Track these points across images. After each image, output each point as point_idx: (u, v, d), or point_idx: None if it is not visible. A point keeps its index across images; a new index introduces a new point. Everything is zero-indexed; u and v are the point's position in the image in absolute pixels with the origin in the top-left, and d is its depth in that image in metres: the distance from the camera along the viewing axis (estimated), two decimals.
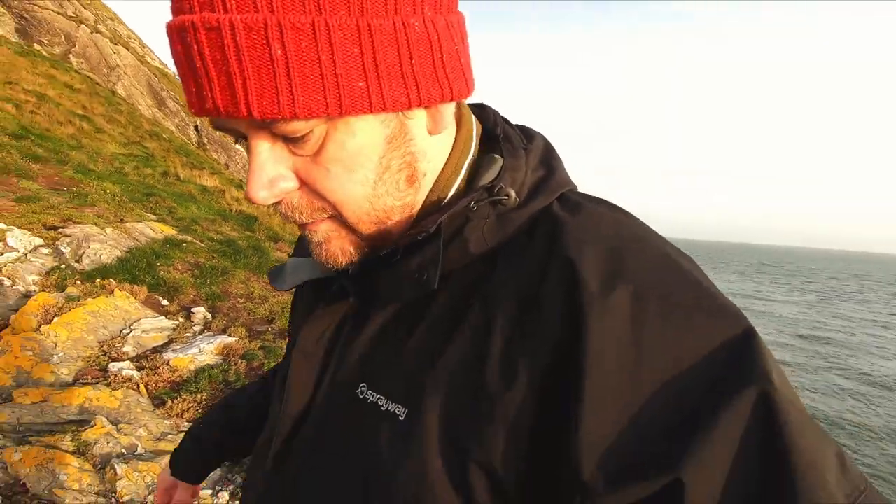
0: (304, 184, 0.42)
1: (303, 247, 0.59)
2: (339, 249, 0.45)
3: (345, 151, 0.39)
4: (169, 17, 0.37)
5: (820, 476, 0.32)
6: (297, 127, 0.37)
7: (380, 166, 0.41)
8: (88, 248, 4.83)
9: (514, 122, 0.53)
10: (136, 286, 4.44)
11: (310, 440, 0.48)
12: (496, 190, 0.44)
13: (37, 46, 15.45)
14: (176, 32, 0.35)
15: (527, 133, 0.51)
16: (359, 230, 0.44)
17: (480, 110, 0.53)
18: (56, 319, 3.68)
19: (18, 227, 4.78)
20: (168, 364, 3.68)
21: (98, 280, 4.36)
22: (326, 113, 0.36)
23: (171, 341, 4.07)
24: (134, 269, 4.76)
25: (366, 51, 0.36)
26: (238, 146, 23.45)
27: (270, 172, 0.40)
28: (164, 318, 4.27)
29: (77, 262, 4.66)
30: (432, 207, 0.46)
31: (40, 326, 3.60)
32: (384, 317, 0.47)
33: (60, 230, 5.06)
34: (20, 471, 2.42)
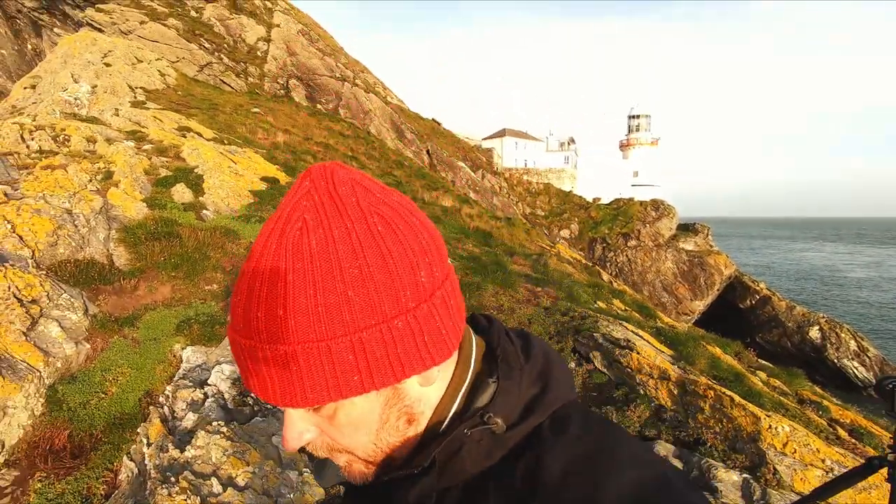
0: (323, 432, 0.53)
1: None
2: (357, 472, 0.55)
3: (349, 418, 0.50)
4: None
5: None
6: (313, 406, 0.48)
7: (380, 421, 0.51)
8: None
9: (515, 332, 0.60)
10: None
11: None
12: (486, 418, 0.51)
13: (318, 106, 20.01)
14: (230, 338, 0.50)
15: (527, 348, 0.57)
16: (369, 460, 0.54)
17: (488, 324, 0.60)
18: None
19: None
20: None
21: None
22: (330, 400, 0.47)
23: None
24: None
25: (358, 356, 0.46)
26: (461, 163, 25.45)
27: (299, 427, 0.52)
28: None
29: None
30: (433, 431, 0.53)
31: None
32: None
33: None
34: None
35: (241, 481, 3.00)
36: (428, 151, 23.31)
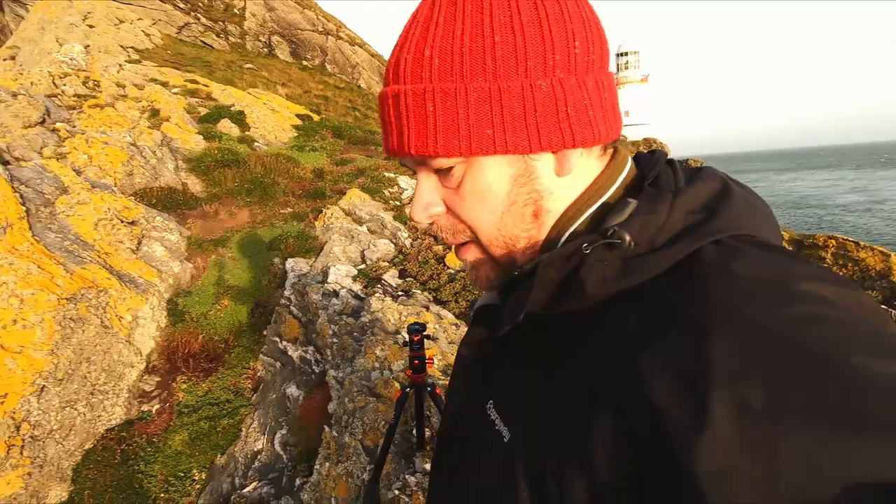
0: (449, 210, 0.51)
1: None
2: (484, 274, 0.53)
3: (477, 185, 0.47)
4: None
5: None
6: (441, 163, 0.47)
7: (507, 200, 0.47)
8: None
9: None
10: None
11: (454, 444, 0.57)
12: (609, 232, 0.42)
13: (304, 63, 19.35)
14: (379, 99, 0.49)
15: (694, 176, 0.47)
16: (492, 253, 0.51)
17: (650, 156, 0.52)
18: None
19: (401, 175, 6.47)
20: None
21: None
22: (459, 153, 0.45)
23: None
24: None
25: (494, 107, 0.43)
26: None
27: (427, 198, 0.50)
28: None
29: None
30: (550, 244, 0.49)
31: None
32: (508, 344, 0.51)
33: None
34: None
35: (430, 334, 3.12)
36: None
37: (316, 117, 8.48)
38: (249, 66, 14.99)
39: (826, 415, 0.28)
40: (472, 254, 0.53)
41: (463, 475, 0.52)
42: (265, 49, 18.76)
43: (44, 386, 3.08)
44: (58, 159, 4.68)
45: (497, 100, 0.44)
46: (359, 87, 19.43)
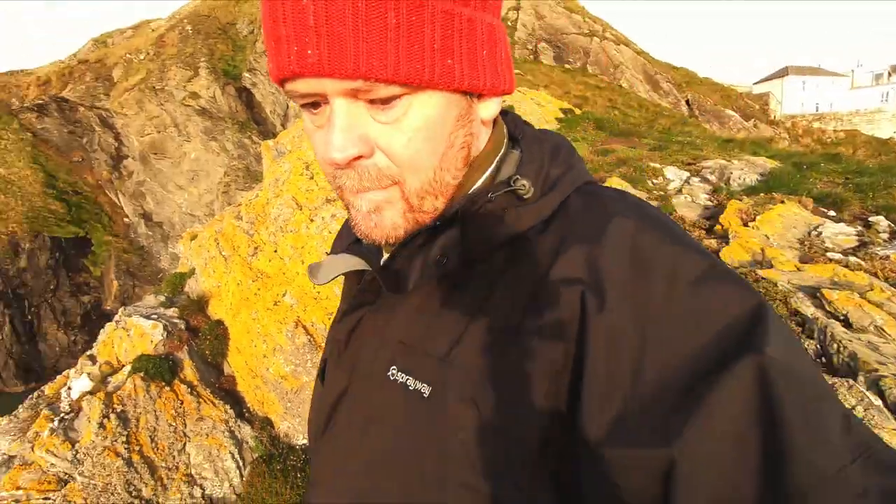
0: (376, 150, 0.44)
1: (338, 245, 0.64)
2: (389, 220, 0.47)
3: (424, 121, 0.43)
4: None
5: (819, 442, 0.33)
6: (392, 91, 0.40)
7: (448, 141, 0.45)
8: (731, 174, 5.46)
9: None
10: (802, 197, 4.62)
11: (347, 420, 0.52)
12: (512, 181, 0.47)
13: (566, 65, 19.69)
14: None
15: (546, 134, 0.54)
16: (412, 202, 0.46)
17: (504, 115, 0.55)
18: (757, 219, 4.23)
19: (669, 165, 5.94)
20: (888, 259, 3.58)
21: (762, 194, 4.79)
22: (421, 81, 0.40)
23: (864, 244, 3.97)
24: (780, 186, 4.99)
25: (463, 35, 0.42)
26: (730, 111, 22.08)
27: (355, 133, 0.42)
28: (842, 224, 4.25)
29: (726, 183, 5.35)
30: (461, 194, 0.49)
31: (746, 224, 4.22)
32: (412, 303, 0.49)
33: (694, 164, 5.98)
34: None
35: None
36: (687, 101, 20.73)
37: (578, 111, 8.53)
38: (517, 71, 16.12)
39: (689, 279, 0.40)
40: (383, 197, 0.46)
41: (365, 454, 0.49)
42: (531, 56, 19.85)
43: None
44: None
45: (466, 28, 0.42)
46: (620, 86, 18.76)
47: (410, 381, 0.46)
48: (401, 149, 0.43)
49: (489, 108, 0.48)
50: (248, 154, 19.43)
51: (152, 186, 20.87)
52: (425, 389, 0.45)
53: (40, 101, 21.14)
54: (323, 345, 3.47)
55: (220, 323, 3.83)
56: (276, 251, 3.91)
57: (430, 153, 0.45)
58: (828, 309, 2.87)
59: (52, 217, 18.64)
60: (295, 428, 3.53)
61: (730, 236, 4.05)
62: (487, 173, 0.50)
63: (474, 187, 0.49)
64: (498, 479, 0.41)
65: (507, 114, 0.55)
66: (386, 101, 0.41)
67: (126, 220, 20.73)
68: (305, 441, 3.55)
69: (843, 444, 0.33)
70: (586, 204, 0.47)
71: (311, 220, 4.00)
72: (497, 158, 0.50)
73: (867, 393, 2.18)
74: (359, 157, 0.44)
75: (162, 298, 3.98)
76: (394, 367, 0.48)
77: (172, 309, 3.94)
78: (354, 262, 0.52)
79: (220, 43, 21.48)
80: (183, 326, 3.72)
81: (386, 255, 0.53)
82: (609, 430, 0.37)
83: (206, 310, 4.00)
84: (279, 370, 3.49)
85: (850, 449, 0.33)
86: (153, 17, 23.82)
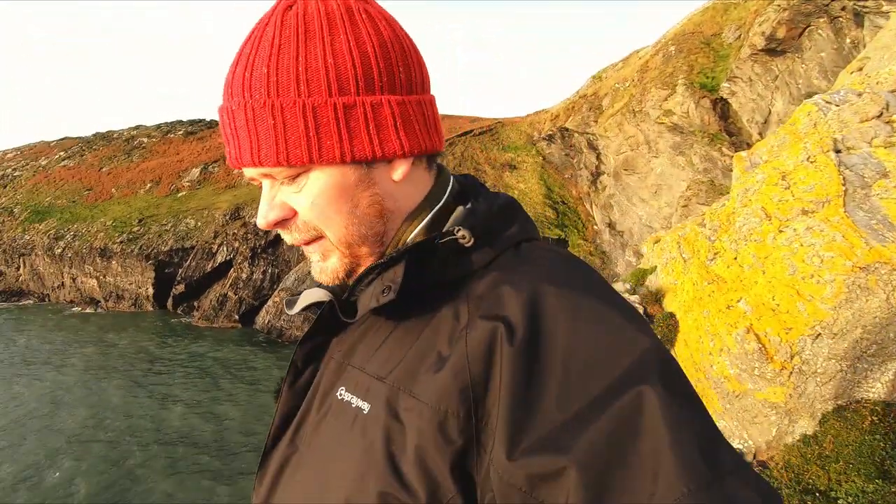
0: (297, 213, 0.57)
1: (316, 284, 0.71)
2: (331, 266, 0.59)
3: (320, 188, 0.54)
4: None
5: (676, 467, 0.38)
6: (289, 172, 0.54)
7: (351, 202, 0.55)
8: None
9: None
10: None
11: (296, 438, 0.59)
12: (455, 230, 0.55)
13: None
14: (221, 112, 0.55)
15: (495, 195, 0.62)
16: (342, 249, 0.58)
17: (464, 178, 0.66)
18: None
19: None
20: None
21: None
22: (304, 162, 0.52)
23: None
24: None
25: (340, 119, 0.52)
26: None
27: (275, 203, 0.57)
28: None
29: None
30: (402, 243, 0.59)
31: None
32: (361, 331, 0.60)
33: None
34: None
35: None
36: None
37: None
38: None
39: (588, 317, 0.50)
40: (320, 247, 0.59)
41: (311, 471, 0.55)
42: None
43: (819, 334, 3.53)
44: (885, 148, 4.81)
45: (342, 115, 0.51)
46: None
47: (354, 400, 0.53)
48: (307, 208, 0.55)
49: (398, 171, 0.56)
50: (715, 167, 18.94)
51: (620, 199, 23.65)
52: (365, 406, 0.52)
53: (550, 133, 27.68)
54: (774, 357, 3.39)
55: (671, 315, 4.31)
56: (735, 258, 4.02)
57: (335, 212, 0.55)
58: None
59: (546, 221, 24.34)
60: (731, 430, 3.60)
61: None
62: (423, 223, 0.58)
63: (413, 233, 0.58)
64: (414, 489, 0.46)
65: (467, 176, 0.66)
66: (293, 178, 0.54)
67: (595, 227, 24.46)
68: (740, 443, 3.57)
69: (693, 469, 0.38)
70: (519, 258, 0.56)
71: (780, 231, 3.86)
72: (435, 209, 0.59)
73: None
74: (285, 220, 0.57)
75: (627, 286, 4.86)
76: (343, 387, 0.56)
77: (635, 296, 4.74)
78: (321, 294, 0.63)
79: (702, 56, 21.69)
80: (641, 311, 4.45)
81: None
82: (512, 444, 0.43)
83: (662, 302, 4.58)
84: (723, 370, 3.65)
85: (705, 473, 0.38)
86: (641, 47, 26.55)
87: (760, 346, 3.48)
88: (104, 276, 26.31)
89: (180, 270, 25.35)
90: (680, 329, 4.18)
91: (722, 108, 19.89)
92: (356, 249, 0.58)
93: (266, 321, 21.84)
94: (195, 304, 24.60)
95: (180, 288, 24.78)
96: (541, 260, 0.56)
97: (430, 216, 0.59)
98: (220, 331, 22.13)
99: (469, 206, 0.59)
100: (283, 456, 0.59)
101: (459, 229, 0.55)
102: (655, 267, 4.94)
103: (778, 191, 4.09)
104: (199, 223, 27.16)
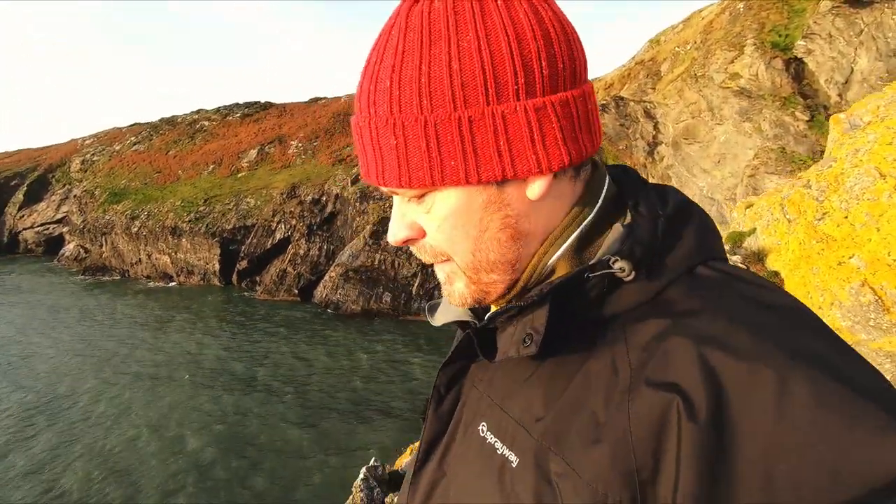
0: (426, 234, 0.52)
1: None
2: (458, 290, 0.54)
3: (447, 210, 0.49)
4: None
5: None
6: (415, 192, 0.49)
7: (479, 225, 0.49)
8: None
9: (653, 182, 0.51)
10: None
11: (443, 464, 0.57)
12: (610, 261, 0.45)
13: None
14: (352, 128, 0.51)
15: (662, 195, 0.51)
16: (469, 275, 0.52)
17: (623, 173, 0.54)
18: None
19: None
20: None
21: None
22: (428, 184, 0.47)
23: None
24: None
25: (465, 136, 0.45)
26: None
27: (404, 222, 0.53)
28: None
29: None
30: (540, 268, 0.51)
31: None
32: (502, 368, 0.54)
33: None
34: None
35: None
36: None
37: None
38: None
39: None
40: (447, 270, 0.54)
41: (453, 491, 0.54)
42: None
43: None
44: None
45: (467, 130, 0.45)
46: None
47: (499, 446, 0.49)
48: (435, 232, 0.51)
49: (534, 188, 0.47)
50: (787, 133, 17.97)
51: (679, 170, 22.87)
52: (514, 460, 0.47)
53: (603, 102, 26.94)
54: (891, 309, 3.49)
55: (776, 273, 4.43)
56: (846, 217, 4.09)
57: (463, 237, 0.50)
58: None
59: None
60: None
61: None
62: (567, 244, 0.50)
63: (555, 257, 0.50)
64: None
65: (626, 170, 0.55)
66: (419, 197, 0.49)
67: None
68: None
69: None
70: (694, 293, 0.44)
71: None
72: (582, 227, 0.50)
73: None
74: (413, 239, 0.53)
75: (727, 247, 5.00)
76: (484, 423, 0.52)
77: (736, 256, 4.87)
78: (462, 313, 0.59)
79: (774, 13, 20.31)
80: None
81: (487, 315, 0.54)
82: None
83: (765, 261, 4.71)
84: (835, 323, 3.78)
85: None
86: (703, 6, 25.14)
87: (877, 297, 3.59)
88: (175, 253, 28.28)
89: (243, 247, 26.89)
90: (785, 286, 4.31)
91: (796, 69, 18.69)
92: (484, 276, 0.52)
93: (323, 295, 22.87)
94: (257, 279, 26.06)
95: (243, 264, 26.33)
96: (726, 297, 0.43)
97: (575, 235, 0.50)
98: (282, 304, 23.49)
99: (629, 221, 0.48)
100: (433, 478, 0.57)
101: (616, 259, 0.45)
102: (754, 229, 5.03)
103: (892, 150, 4.09)
104: (259, 202, 28.50)
